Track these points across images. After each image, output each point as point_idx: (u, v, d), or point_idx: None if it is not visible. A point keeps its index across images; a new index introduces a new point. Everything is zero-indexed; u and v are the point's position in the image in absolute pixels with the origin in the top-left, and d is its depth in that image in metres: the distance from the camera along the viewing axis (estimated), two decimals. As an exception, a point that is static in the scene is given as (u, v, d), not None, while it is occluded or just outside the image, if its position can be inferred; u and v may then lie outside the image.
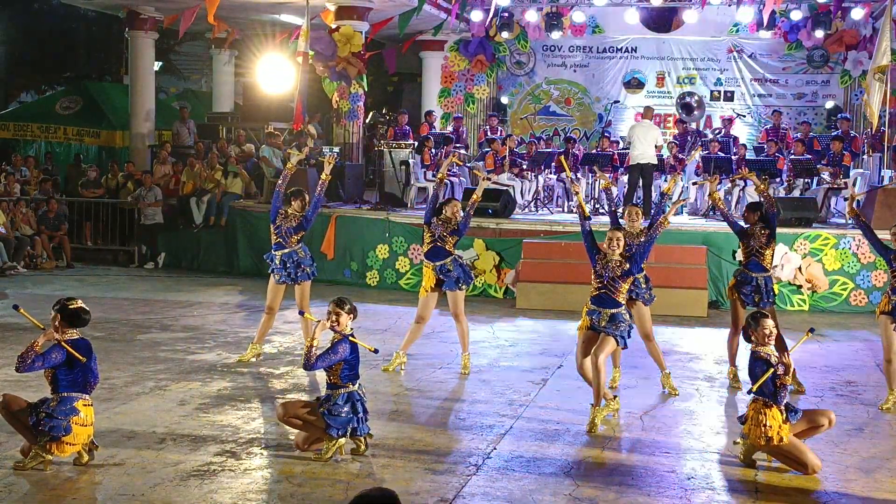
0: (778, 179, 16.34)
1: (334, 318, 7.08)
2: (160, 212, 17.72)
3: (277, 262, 9.97)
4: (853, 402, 9.11)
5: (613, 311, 8.15)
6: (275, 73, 18.63)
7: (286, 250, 9.93)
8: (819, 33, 20.11)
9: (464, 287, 9.73)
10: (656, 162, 15.96)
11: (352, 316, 7.19)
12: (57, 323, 6.85)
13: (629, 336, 8.28)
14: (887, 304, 8.75)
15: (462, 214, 9.79)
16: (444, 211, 9.78)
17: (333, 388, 7.14)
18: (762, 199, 9.68)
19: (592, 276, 8.30)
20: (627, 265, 8.15)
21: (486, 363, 10.45)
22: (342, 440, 7.08)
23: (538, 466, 7.14)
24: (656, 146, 16.31)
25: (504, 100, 22.38)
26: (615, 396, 8.59)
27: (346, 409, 7.06)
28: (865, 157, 16.93)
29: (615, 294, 8.16)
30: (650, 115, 16.30)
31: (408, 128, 18.31)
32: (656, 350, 9.33)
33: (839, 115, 17.70)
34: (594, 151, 16.93)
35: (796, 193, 15.99)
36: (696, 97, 20.50)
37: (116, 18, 21.43)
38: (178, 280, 16.04)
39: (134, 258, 17.74)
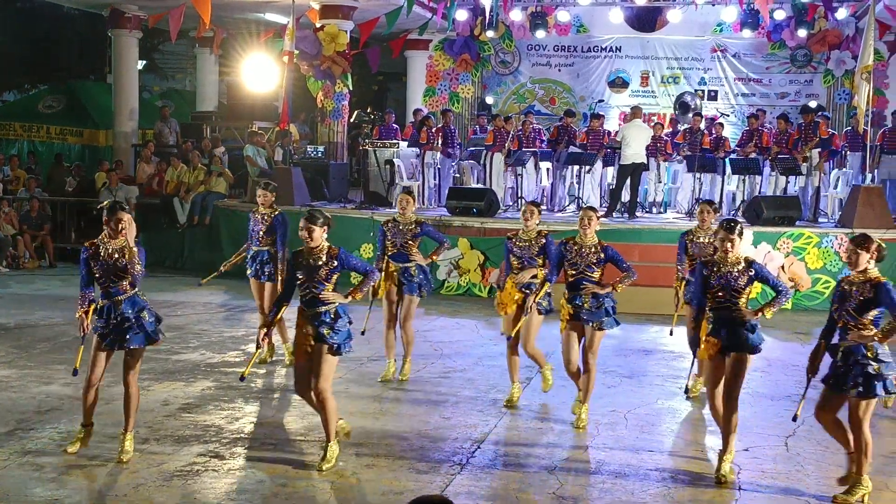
0: (762, 177, 16.40)
1: (306, 234, 6.93)
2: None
3: (249, 258, 10.03)
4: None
5: (592, 289, 7.93)
6: (259, 73, 18.61)
7: (257, 248, 9.98)
8: (802, 33, 20.19)
9: (423, 294, 9.48)
10: (646, 161, 16.00)
11: (326, 227, 7.02)
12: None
13: (615, 312, 8.06)
14: None
15: (415, 215, 9.52)
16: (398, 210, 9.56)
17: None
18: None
19: (568, 270, 8.07)
20: (602, 253, 7.94)
21: (470, 362, 10.45)
22: None
23: (522, 465, 7.16)
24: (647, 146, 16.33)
25: (489, 99, 22.38)
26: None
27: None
28: (849, 154, 17.01)
29: (590, 276, 7.96)
30: (640, 114, 16.31)
31: (395, 126, 18.35)
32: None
33: (819, 114, 17.77)
34: (582, 143, 16.86)
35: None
36: (696, 99, 20.62)
37: (100, 17, 21.34)
38: (161, 279, 15.97)
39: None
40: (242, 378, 7.38)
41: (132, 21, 19.97)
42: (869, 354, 6.36)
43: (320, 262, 6.90)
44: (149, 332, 7.04)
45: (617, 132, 16.72)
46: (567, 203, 17.01)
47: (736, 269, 6.88)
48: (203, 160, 18.22)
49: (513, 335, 8.43)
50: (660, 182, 17.22)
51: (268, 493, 6.49)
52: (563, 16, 21.42)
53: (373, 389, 9.24)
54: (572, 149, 16.88)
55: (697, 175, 16.28)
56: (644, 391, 9.46)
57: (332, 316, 6.90)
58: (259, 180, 17.39)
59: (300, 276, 6.92)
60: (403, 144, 17.63)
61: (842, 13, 19.71)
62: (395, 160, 17.07)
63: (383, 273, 9.22)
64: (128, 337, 6.93)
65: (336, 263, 6.92)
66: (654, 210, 17.07)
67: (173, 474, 6.74)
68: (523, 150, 16.79)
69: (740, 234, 6.97)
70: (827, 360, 6.71)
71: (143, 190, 18.40)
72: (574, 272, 7.99)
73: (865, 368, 6.35)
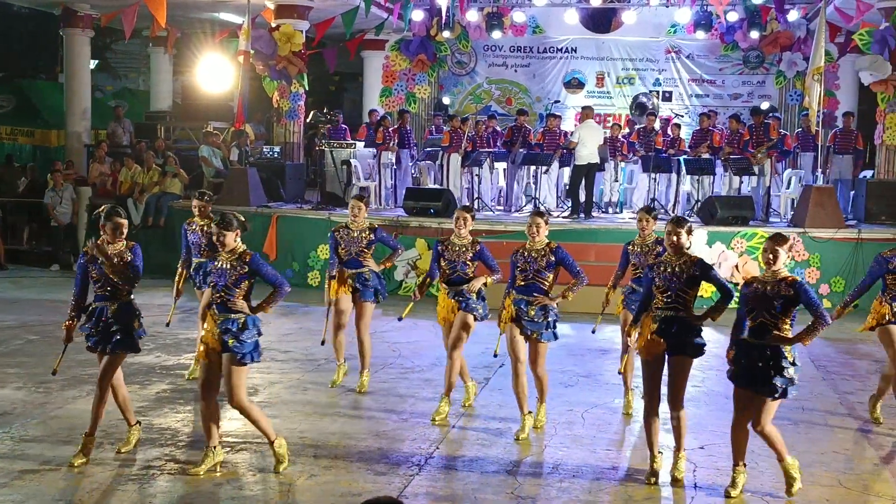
0: (714, 176, 16.56)
1: (220, 239, 6.81)
2: (71, 212, 17.48)
3: (193, 270, 9.85)
4: (788, 398, 9.25)
5: (541, 302, 7.78)
6: (214, 72, 18.48)
7: (198, 260, 9.69)
8: (755, 34, 20.43)
9: (379, 300, 9.27)
10: (599, 161, 16.10)
11: (239, 232, 6.87)
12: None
13: (556, 326, 7.90)
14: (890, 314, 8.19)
15: (367, 220, 9.28)
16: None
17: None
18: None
19: (517, 275, 7.90)
20: (553, 255, 7.76)
21: (428, 363, 10.45)
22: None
23: (480, 465, 7.17)
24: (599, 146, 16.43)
25: (446, 100, 22.39)
26: (530, 412, 8.04)
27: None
28: (800, 154, 17.25)
29: (541, 283, 7.81)
30: (592, 114, 16.41)
31: (344, 126, 18.31)
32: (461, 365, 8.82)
33: (770, 115, 17.99)
34: (538, 143, 16.93)
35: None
36: (652, 100, 20.78)
37: (51, 16, 21.06)
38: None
39: (70, 260, 17.47)
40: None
41: (84, 20, 19.73)
42: (788, 357, 6.38)
43: (232, 268, 6.79)
44: (134, 341, 7.11)
45: (572, 133, 16.80)
46: (524, 203, 17.08)
47: (681, 268, 6.83)
48: (157, 160, 18.05)
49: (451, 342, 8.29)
50: (616, 181, 17.34)
51: (225, 497, 6.45)
52: (518, 16, 21.52)
53: (331, 391, 9.21)
54: (529, 150, 16.95)
55: (653, 175, 16.42)
56: (601, 390, 9.52)
57: (240, 325, 6.76)
58: (208, 185, 17.34)
59: (212, 280, 6.83)
60: (360, 145, 17.59)
61: (793, 15, 20.00)
62: (351, 161, 17.03)
63: (335, 279, 9.07)
64: (112, 341, 7.00)
65: (247, 269, 6.78)
66: (611, 210, 17.19)
67: (128, 478, 6.68)
68: (479, 150, 16.83)
69: (689, 231, 6.91)
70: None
71: (97, 191, 18.18)
72: (524, 277, 7.84)
73: (784, 372, 6.37)
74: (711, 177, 16.44)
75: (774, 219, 16.08)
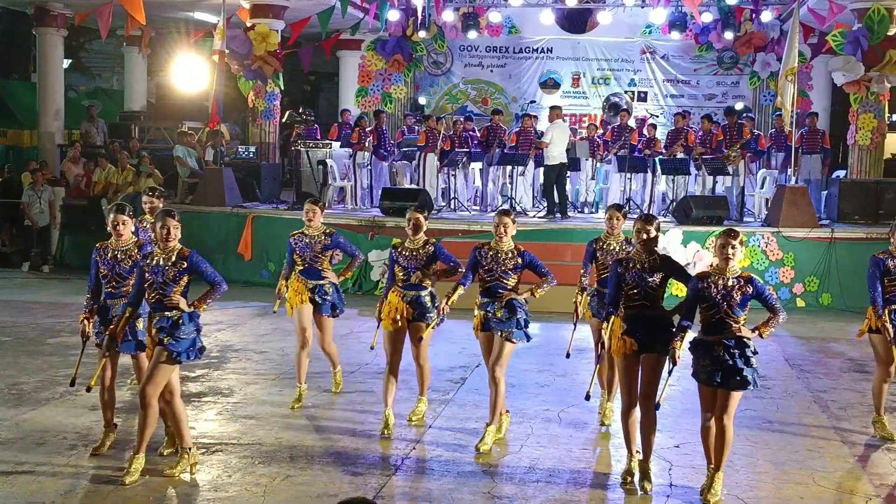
0: (689, 176, 16.65)
1: (165, 233, 6.70)
2: (47, 213, 17.36)
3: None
4: (763, 397, 9.32)
5: (508, 297, 7.54)
6: (189, 72, 18.39)
7: None
8: (729, 35, 20.54)
9: (337, 314, 8.88)
10: (568, 161, 16.13)
11: (179, 226, 6.81)
12: None
13: (527, 326, 7.65)
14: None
15: (324, 225, 8.87)
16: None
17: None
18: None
19: (482, 276, 7.68)
20: (520, 258, 7.58)
21: (404, 362, 10.41)
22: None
23: (457, 465, 7.17)
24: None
25: (422, 100, 22.39)
26: (508, 411, 8.04)
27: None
28: (774, 154, 17.37)
29: (506, 284, 7.58)
30: (560, 114, 16.43)
31: (315, 127, 18.24)
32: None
33: (744, 115, 18.12)
34: (513, 144, 16.96)
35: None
36: (625, 99, 20.86)
37: (24, 15, 20.89)
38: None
39: (48, 260, 17.32)
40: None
41: (58, 19, 19.61)
42: (751, 347, 6.43)
43: (170, 264, 6.73)
44: (140, 341, 7.07)
45: (544, 133, 16.83)
46: (500, 203, 17.10)
47: (651, 265, 6.77)
48: (132, 161, 17.95)
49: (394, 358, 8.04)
50: (592, 179, 17.40)
51: (200, 499, 6.42)
52: (494, 17, 21.54)
53: (307, 392, 9.17)
54: (505, 150, 16.97)
55: (628, 175, 16.48)
56: (577, 389, 9.51)
57: (174, 322, 6.66)
58: (183, 185, 17.26)
59: (149, 277, 6.76)
60: (336, 145, 17.56)
61: (767, 16, 20.13)
62: (327, 161, 17.00)
63: (287, 289, 8.65)
64: (121, 343, 7.00)
65: (185, 265, 6.72)
66: (587, 210, 17.25)
67: (103, 480, 6.63)
68: (455, 150, 16.84)
69: (658, 227, 6.85)
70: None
71: (71, 191, 18.05)
72: (489, 278, 7.62)
73: (750, 362, 6.41)
74: (686, 177, 16.53)
75: (748, 218, 16.18)
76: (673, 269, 6.85)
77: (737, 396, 6.47)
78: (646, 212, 16.35)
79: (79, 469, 6.85)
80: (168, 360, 6.64)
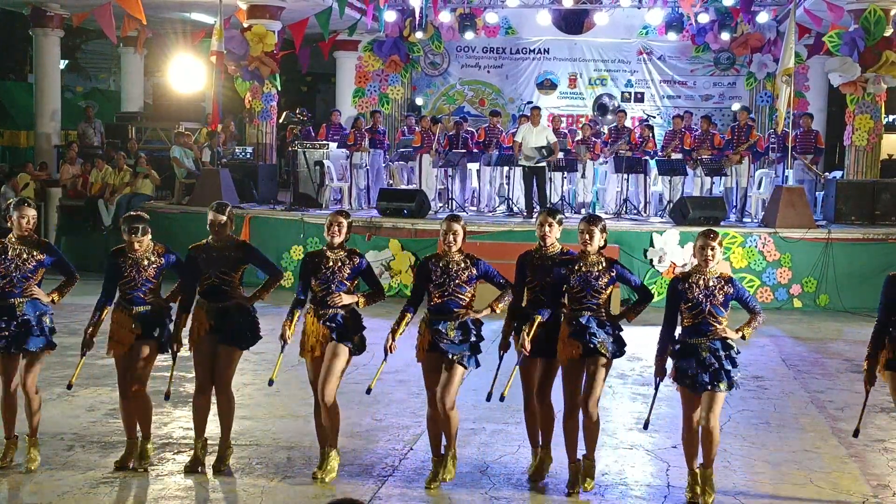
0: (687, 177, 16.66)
1: (137, 235, 6.87)
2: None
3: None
4: (760, 397, 9.33)
5: (464, 315, 6.75)
6: (185, 73, 18.39)
7: None
8: (725, 36, 20.58)
9: (245, 347, 7.37)
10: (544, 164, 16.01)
11: (147, 236, 6.90)
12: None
13: (480, 350, 6.81)
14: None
15: (232, 236, 7.39)
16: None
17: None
18: None
19: (432, 291, 6.87)
20: (474, 269, 6.91)
21: (402, 364, 10.41)
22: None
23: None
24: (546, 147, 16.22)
25: (419, 100, 22.39)
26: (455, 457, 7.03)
27: None
28: (772, 155, 17.39)
29: (460, 300, 6.81)
30: (538, 116, 16.36)
31: (309, 128, 18.24)
32: None
33: (750, 116, 18.15)
34: (508, 147, 16.94)
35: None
36: (614, 100, 20.87)
37: (20, 15, 20.88)
38: (86, 283, 15.60)
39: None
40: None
41: (54, 20, 19.59)
42: (734, 347, 6.42)
43: (147, 262, 6.93)
44: (48, 338, 7.15)
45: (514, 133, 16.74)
46: (497, 204, 17.09)
47: (596, 269, 6.67)
48: (129, 161, 17.94)
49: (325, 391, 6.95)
50: (583, 178, 17.38)
51: (197, 499, 6.41)
52: (491, 17, 21.55)
53: (304, 391, 9.14)
54: (502, 151, 16.96)
55: (624, 176, 16.49)
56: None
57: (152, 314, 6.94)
58: (179, 186, 17.22)
59: (126, 274, 6.94)
60: (333, 145, 17.56)
61: (763, 17, 20.16)
62: (324, 161, 16.99)
63: (189, 316, 7.08)
64: (29, 339, 6.98)
65: (163, 262, 6.99)
66: (583, 211, 17.23)
67: (100, 481, 6.62)
68: (454, 151, 16.83)
69: (603, 229, 6.76)
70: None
71: (67, 192, 18.04)
72: (440, 293, 6.77)
73: (735, 362, 6.40)
74: (683, 177, 16.54)
75: (746, 219, 16.20)
76: (620, 274, 6.71)
77: (722, 397, 6.43)
78: (645, 214, 16.41)
79: (76, 469, 6.84)
80: (153, 350, 6.98)
